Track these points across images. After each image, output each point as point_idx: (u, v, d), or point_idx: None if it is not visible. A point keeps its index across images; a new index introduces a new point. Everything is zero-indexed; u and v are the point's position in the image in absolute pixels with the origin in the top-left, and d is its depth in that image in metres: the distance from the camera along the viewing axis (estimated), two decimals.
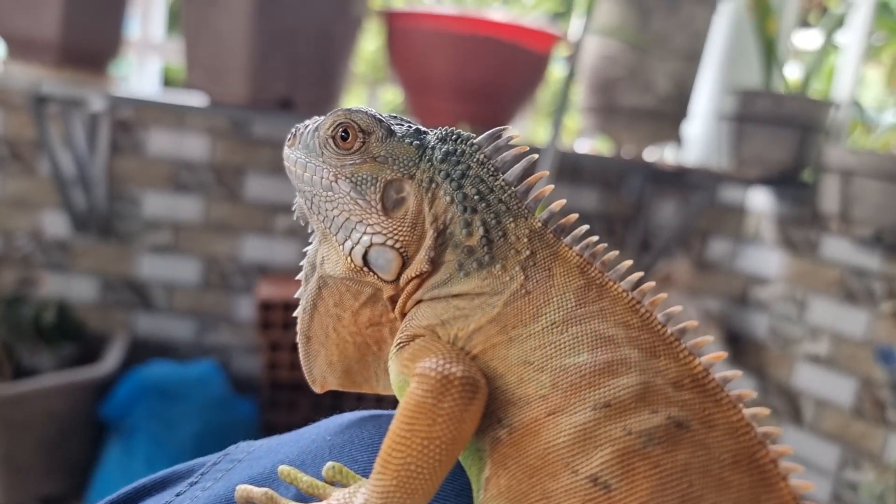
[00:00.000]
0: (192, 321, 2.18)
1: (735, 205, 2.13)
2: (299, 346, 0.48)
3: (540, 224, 0.41)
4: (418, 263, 0.41)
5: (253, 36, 1.65)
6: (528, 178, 0.42)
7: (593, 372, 0.35)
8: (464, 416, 0.34)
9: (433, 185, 0.41)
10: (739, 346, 2.08)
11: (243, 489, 0.40)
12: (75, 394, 1.84)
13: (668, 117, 1.92)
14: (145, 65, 2.28)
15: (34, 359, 1.90)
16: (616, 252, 0.41)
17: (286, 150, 0.46)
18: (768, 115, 1.78)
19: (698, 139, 2.14)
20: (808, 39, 2.18)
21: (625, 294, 0.38)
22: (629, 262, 0.40)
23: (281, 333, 1.91)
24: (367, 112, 0.43)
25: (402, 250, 0.41)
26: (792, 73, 1.88)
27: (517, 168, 0.42)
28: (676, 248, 2.18)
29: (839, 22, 1.85)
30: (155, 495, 0.46)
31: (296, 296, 0.49)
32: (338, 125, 0.42)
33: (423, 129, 0.44)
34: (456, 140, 0.42)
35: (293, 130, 0.46)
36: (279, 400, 1.96)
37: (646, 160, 1.99)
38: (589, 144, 2.25)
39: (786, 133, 1.78)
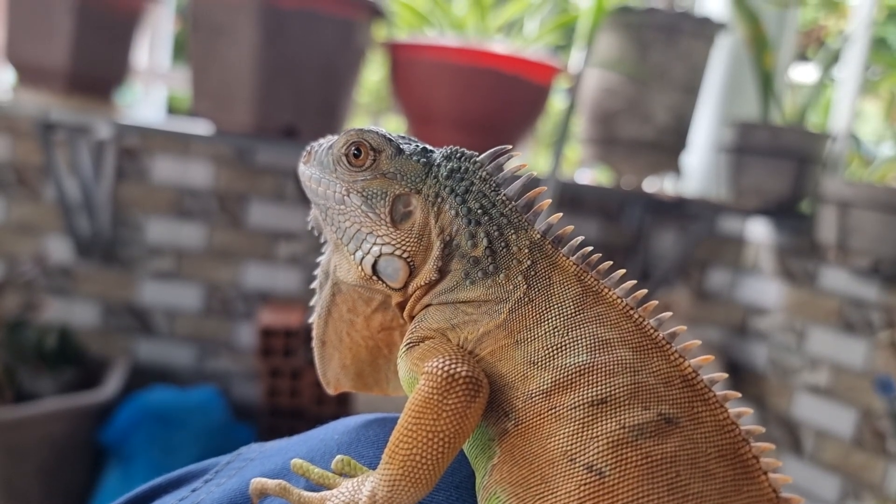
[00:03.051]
0: (193, 347, 2.19)
1: (734, 235, 2.15)
2: (314, 349, 0.50)
3: (539, 235, 0.44)
4: (427, 272, 0.44)
5: (259, 66, 1.68)
6: (528, 194, 0.45)
7: (591, 371, 0.38)
8: (466, 412, 0.37)
9: (439, 200, 0.44)
10: (739, 376, 2.08)
11: (258, 482, 0.42)
12: (75, 419, 1.84)
13: (667, 148, 1.94)
14: (151, 93, 2.31)
15: (35, 383, 1.91)
16: (610, 262, 0.44)
17: (301, 167, 0.49)
18: (766, 147, 1.80)
19: (697, 170, 2.17)
20: (805, 73, 2.21)
21: (619, 301, 0.41)
22: (622, 271, 0.43)
23: (281, 360, 1.92)
24: (377, 132, 0.46)
25: (409, 260, 0.44)
26: (789, 106, 1.91)
27: (517, 184, 0.45)
28: (676, 278, 2.19)
29: (835, 56, 1.88)
30: (171, 492, 0.48)
31: (311, 303, 0.52)
32: (351, 143, 0.46)
33: (430, 147, 0.47)
34: (460, 158, 0.46)
35: (308, 148, 0.49)
36: (279, 427, 1.96)
37: (645, 191, 2.01)
38: (589, 175, 2.27)
39: (783, 164, 1.80)
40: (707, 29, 1.90)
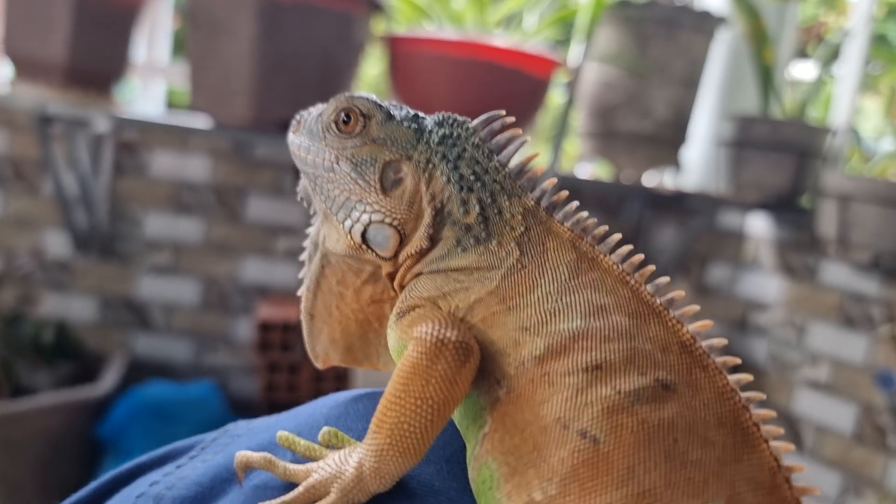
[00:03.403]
0: (190, 342, 2.18)
1: (734, 230, 2.14)
2: (303, 323, 0.49)
3: (533, 202, 0.43)
4: (418, 240, 0.43)
5: (257, 60, 1.68)
6: (522, 160, 0.45)
7: (585, 336, 0.37)
8: (456, 378, 0.36)
9: (430, 166, 0.43)
10: (740, 372, 2.08)
11: (242, 455, 0.41)
12: (72, 413, 1.83)
13: (666, 142, 1.94)
14: (150, 87, 2.31)
15: (32, 377, 1.90)
16: (606, 227, 0.43)
17: (290, 136, 0.48)
18: (766, 141, 1.80)
19: (697, 164, 2.16)
20: (805, 70, 2.21)
21: (615, 266, 0.40)
22: (618, 236, 0.42)
23: (279, 355, 1.91)
24: (367, 98, 0.46)
25: (399, 227, 0.43)
26: (789, 100, 1.90)
27: (510, 149, 0.44)
28: (676, 273, 2.18)
29: (835, 52, 1.87)
30: (156, 469, 0.47)
31: (300, 276, 0.51)
32: (340, 110, 0.45)
33: (422, 114, 0.47)
34: (452, 124, 0.45)
35: (297, 117, 0.49)
36: None
37: (645, 185, 2.00)
38: (588, 169, 2.26)
39: (783, 158, 1.80)
40: (707, 23, 1.90)
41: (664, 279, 0.41)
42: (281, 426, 0.46)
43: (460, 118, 0.46)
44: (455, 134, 0.44)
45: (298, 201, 0.51)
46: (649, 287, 0.40)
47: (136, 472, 0.49)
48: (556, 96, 2.17)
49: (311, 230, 0.50)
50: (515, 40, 1.86)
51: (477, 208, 0.42)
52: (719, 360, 0.39)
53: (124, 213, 2.12)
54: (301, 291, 0.50)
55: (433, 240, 0.43)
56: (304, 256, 0.50)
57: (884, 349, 1.71)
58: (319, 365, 0.50)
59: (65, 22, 1.75)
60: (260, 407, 1.96)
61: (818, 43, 2.45)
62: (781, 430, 0.38)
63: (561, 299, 0.39)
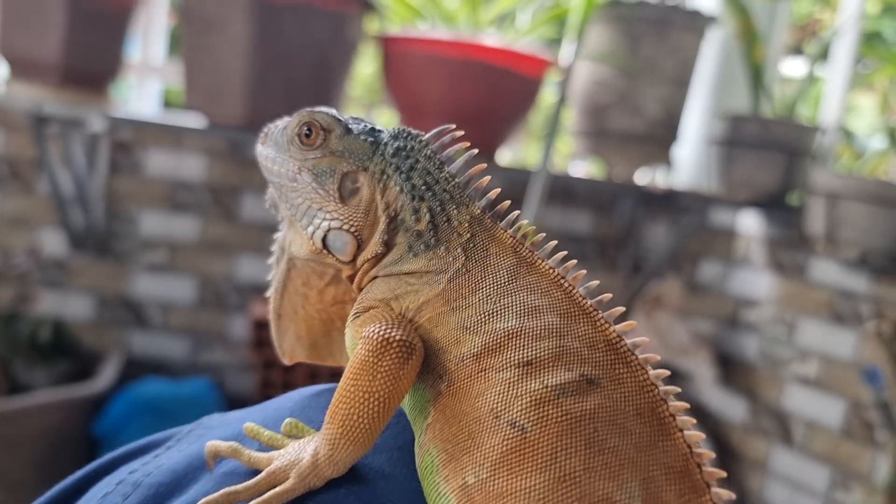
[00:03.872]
0: (186, 339, 2.20)
1: (725, 228, 2.16)
2: (271, 322, 0.53)
3: (479, 210, 0.46)
4: (373, 246, 0.47)
5: (251, 60, 1.69)
6: (470, 171, 0.48)
7: (519, 335, 0.41)
8: (400, 373, 0.40)
9: (384, 177, 0.47)
10: (730, 368, 2.10)
11: (212, 444, 0.45)
12: (69, 410, 1.85)
13: (658, 141, 1.95)
14: (145, 86, 2.32)
15: (29, 375, 1.92)
16: (543, 234, 0.46)
17: (259, 148, 0.52)
18: (756, 140, 1.81)
19: (688, 163, 2.18)
20: (795, 67, 2.22)
21: (551, 270, 0.44)
22: (554, 243, 0.45)
23: (274, 352, 1.92)
24: (327, 112, 0.49)
25: (356, 234, 0.47)
26: (779, 99, 1.92)
27: (459, 161, 0.48)
28: (668, 271, 2.20)
29: (825, 50, 1.89)
30: (136, 459, 0.49)
31: (268, 278, 0.54)
32: (303, 124, 0.48)
33: (379, 128, 0.50)
34: (406, 137, 0.48)
35: (265, 130, 0.52)
36: None
37: (637, 183, 2.02)
38: (582, 167, 2.28)
39: (773, 157, 1.81)
40: (698, 22, 1.91)
41: (595, 282, 0.44)
42: (251, 418, 0.49)
43: (414, 132, 0.49)
44: (408, 146, 0.47)
45: (267, 208, 0.54)
46: (581, 289, 0.43)
47: (118, 461, 0.52)
48: (548, 95, 2.19)
49: (278, 235, 0.53)
50: (508, 39, 1.88)
51: (427, 216, 0.45)
52: (642, 356, 0.42)
53: (120, 211, 2.13)
54: (269, 293, 0.53)
55: (388, 245, 0.46)
56: (272, 260, 0.54)
57: (871, 345, 1.73)
58: (286, 361, 0.55)
59: (59, 21, 1.76)
60: (255, 404, 1.98)
61: (810, 39, 2.47)
62: (694, 421, 0.41)
63: (499, 301, 0.42)
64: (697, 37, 1.92)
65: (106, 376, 1.95)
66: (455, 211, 0.45)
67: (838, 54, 1.92)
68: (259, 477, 0.42)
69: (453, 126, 0.49)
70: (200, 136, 2.09)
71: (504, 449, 0.38)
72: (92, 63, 1.85)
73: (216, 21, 1.70)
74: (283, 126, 0.50)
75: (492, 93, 1.82)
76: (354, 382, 0.40)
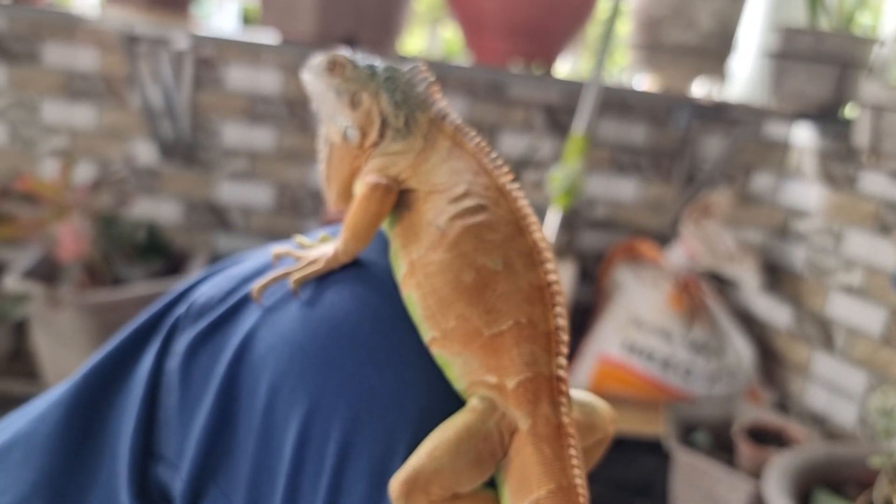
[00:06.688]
0: (265, 240, 2.37)
1: (778, 140, 2.19)
2: (322, 182, 0.75)
3: (434, 113, 0.68)
4: (372, 137, 0.70)
5: None
6: (431, 89, 0.69)
7: (446, 184, 0.65)
8: (384, 201, 0.65)
9: (378, 94, 0.69)
10: (777, 277, 2.17)
11: (274, 248, 0.69)
12: None
13: (712, 54, 1.99)
14: (225, 5, 2.45)
15: (128, 271, 2.14)
16: (476, 130, 0.67)
17: (304, 74, 0.72)
18: (809, 52, 1.83)
19: (745, 76, 2.20)
20: None
21: (472, 148, 0.66)
22: (476, 132, 0.67)
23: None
24: (343, 54, 0.70)
25: (361, 130, 0.70)
26: (837, 10, 1.92)
27: (424, 83, 0.69)
28: (721, 181, 2.26)
29: None
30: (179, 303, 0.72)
31: (318, 158, 0.77)
32: (329, 61, 0.70)
33: (376, 63, 0.71)
34: (392, 70, 0.69)
35: (308, 64, 0.73)
36: None
37: (691, 96, 2.07)
38: (637, 80, 2.33)
39: (825, 70, 1.83)
40: None
41: (497, 154, 0.66)
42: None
43: (398, 66, 0.70)
44: (394, 76, 0.69)
45: (314, 115, 0.72)
46: (489, 159, 0.66)
47: (161, 314, 0.73)
48: (604, 7, 2.22)
49: (321, 132, 0.76)
50: None
51: (403, 118, 0.68)
52: (523, 198, 0.64)
53: (204, 123, 2.31)
54: (320, 165, 0.76)
55: (381, 136, 0.69)
56: (320, 146, 0.76)
57: None
58: (333, 207, 0.77)
59: None
60: None
61: None
62: (539, 222, 0.64)
63: (440, 167, 0.66)
64: None
65: (194, 273, 2.14)
66: (420, 114, 0.68)
67: None
68: (300, 262, 0.67)
69: (423, 64, 0.69)
70: (275, 52, 2.22)
71: (432, 239, 0.62)
72: None
73: None
74: (318, 62, 0.71)
75: (549, 6, 1.89)
76: (359, 205, 0.65)
